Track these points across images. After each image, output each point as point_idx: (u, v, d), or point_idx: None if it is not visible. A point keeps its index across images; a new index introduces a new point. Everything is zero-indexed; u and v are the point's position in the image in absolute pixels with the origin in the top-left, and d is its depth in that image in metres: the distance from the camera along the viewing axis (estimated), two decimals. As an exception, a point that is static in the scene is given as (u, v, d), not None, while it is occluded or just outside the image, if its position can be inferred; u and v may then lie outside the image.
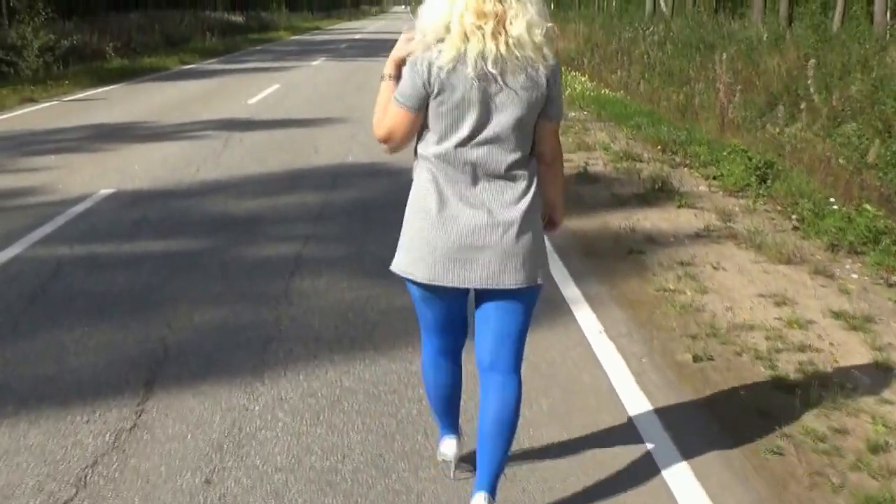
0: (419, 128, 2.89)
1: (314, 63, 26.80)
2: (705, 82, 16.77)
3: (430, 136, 2.87)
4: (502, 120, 2.77)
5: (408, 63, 2.82)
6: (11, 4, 23.91)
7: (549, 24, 2.77)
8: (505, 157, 2.81)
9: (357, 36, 48.50)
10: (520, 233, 2.82)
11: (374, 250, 6.39)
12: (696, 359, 4.64)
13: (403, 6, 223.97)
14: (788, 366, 4.56)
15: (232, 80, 21.28)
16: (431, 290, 2.96)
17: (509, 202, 2.83)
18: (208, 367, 4.48)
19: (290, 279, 5.88)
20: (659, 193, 8.51)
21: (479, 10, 2.68)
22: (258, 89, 18.28)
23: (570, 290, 5.69)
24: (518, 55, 2.72)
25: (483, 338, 3.02)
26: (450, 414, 3.37)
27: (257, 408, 4.03)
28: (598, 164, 10.11)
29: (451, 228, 2.83)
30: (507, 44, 2.70)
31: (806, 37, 18.47)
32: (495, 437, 2.99)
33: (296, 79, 21.32)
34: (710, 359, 4.65)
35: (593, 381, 4.38)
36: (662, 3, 41.89)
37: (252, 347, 4.73)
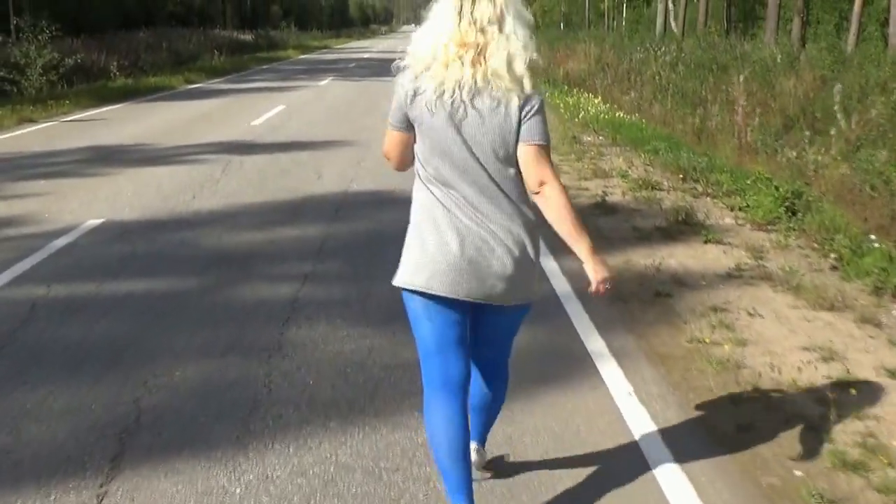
0: (411, 147, 3.03)
1: (321, 83, 26.38)
2: (720, 104, 16.43)
3: (420, 157, 2.97)
4: (478, 144, 2.85)
5: (395, 87, 2.95)
6: (16, 23, 23.55)
7: (535, 56, 2.83)
8: (490, 179, 2.89)
9: (366, 55, 48.16)
10: (512, 253, 2.91)
11: (378, 292, 5.86)
12: (740, 428, 4.09)
13: (413, 25, 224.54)
14: (845, 437, 4.00)
15: (237, 100, 20.84)
16: (432, 301, 2.97)
17: (501, 223, 2.91)
18: (186, 436, 3.94)
19: (285, 326, 5.34)
20: (683, 226, 7.97)
21: (460, 41, 2.81)
22: (263, 110, 17.82)
23: (595, 343, 5.14)
24: (494, 85, 2.81)
25: (480, 343, 3.18)
26: (463, 475, 3.06)
27: (239, 490, 3.49)
28: (617, 192, 9.57)
29: (448, 245, 2.90)
30: (483, 74, 2.80)
31: (821, 58, 18.07)
32: (489, 409, 3.39)
33: (302, 99, 20.87)
34: (757, 428, 4.09)
35: (625, 457, 3.83)
36: (673, 24, 41.54)
37: (237, 412, 4.18)
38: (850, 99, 15.22)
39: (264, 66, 37.12)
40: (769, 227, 8.01)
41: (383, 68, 35.46)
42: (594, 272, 2.93)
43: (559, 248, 5.95)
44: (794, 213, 8.31)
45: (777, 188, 9.09)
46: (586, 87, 22.12)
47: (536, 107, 2.84)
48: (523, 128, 2.84)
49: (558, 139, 13.44)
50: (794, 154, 13.24)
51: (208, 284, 6.18)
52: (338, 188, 9.71)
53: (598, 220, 8.32)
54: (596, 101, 19.10)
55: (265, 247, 7.17)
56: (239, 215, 8.27)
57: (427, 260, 2.92)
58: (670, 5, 42.62)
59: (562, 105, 18.50)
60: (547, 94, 18.50)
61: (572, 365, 4.79)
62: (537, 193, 2.89)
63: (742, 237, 7.67)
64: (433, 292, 2.92)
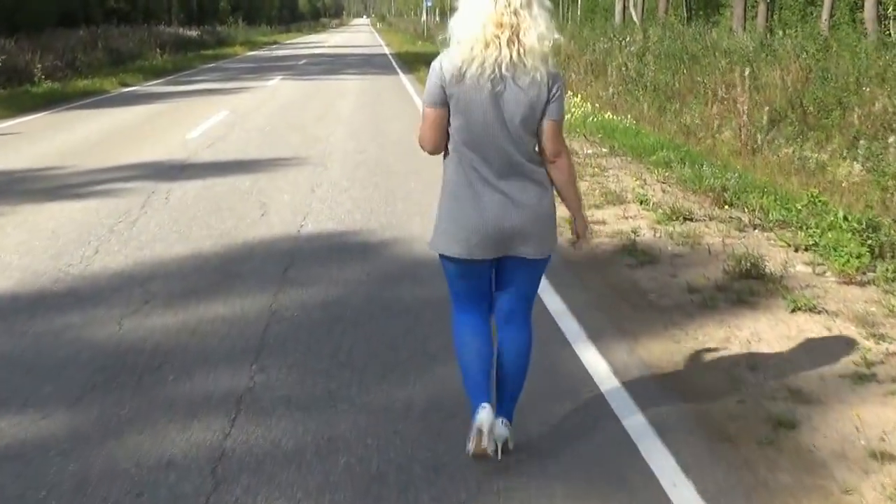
0: (446, 125, 3.28)
1: (270, 83, 24.08)
2: (706, 99, 14.81)
3: (454, 131, 3.28)
4: (510, 116, 3.20)
5: (431, 68, 3.27)
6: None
7: (557, 36, 3.20)
8: (516, 148, 3.25)
9: (317, 51, 45.77)
10: (536, 213, 3.31)
11: (351, 426, 3.78)
12: None
13: (364, 18, 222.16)
14: None
15: (175, 105, 18.52)
16: (466, 264, 3.39)
17: (526, 188, 3.29)
18: None
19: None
20: (751, 282, 5.95)
21: (498, 21, 3.12)
22: (202, 118, 15.56)
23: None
24: (527, 62, 3.14)
25: (504, 299, 3.54)
26: (484, 381, 3.49)
27: None
28: (642, 227, 7.54)
29: (479, 210, 3.27)
30: (519, 52, 3.13)
31: (803, 46, 16.49)
32: (514, 377, 3.58)
33: (248, 103, 18.60)
34: None
35: None
36: (633, 12, 39.77)
37: None
38: (847, 91, 13.61)
39: (210, 65, 34.67)
40: (860, 280, 6.02)
41: (337, 64, 33.32)
42: (581, 228, 3.57)
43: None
44: (880, 254, 6.39)
45: (846, 218, 7.16)
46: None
47: (561, 87, 3.24)
48: (550, 105, 3.23)
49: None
50: (793, 151, 11.71)
51: (85, 430, 3.94)
52: (287, 229, 7.56)
53: (636, 273, 6.29)
54: (576, 99, 17.12)
55: (181, 341, 5.00)
56: (151, 281, 6.09)
57: (459, 228, 3.32)
58: (629, -7, 40.85)
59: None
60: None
61: None
62: (552, 162, 3.33)
63: (835, 298, 5.67)
64: (465, 257, 3.34)
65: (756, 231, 7.45)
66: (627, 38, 22.54)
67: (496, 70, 3.13)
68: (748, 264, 6.14)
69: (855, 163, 11.22)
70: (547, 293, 5.70)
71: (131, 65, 31.09)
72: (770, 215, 7.71)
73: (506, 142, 3.22)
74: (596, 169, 10.33)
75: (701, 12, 45.81)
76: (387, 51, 45.22)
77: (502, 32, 3.11)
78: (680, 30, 24.30)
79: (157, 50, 36.87)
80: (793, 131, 12.85)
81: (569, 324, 5.22)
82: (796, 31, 21.04)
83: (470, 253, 3.32)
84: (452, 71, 3.18)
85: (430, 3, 67.32)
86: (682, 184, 9.38)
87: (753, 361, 4.64)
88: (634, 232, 7.18)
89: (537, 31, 3.13)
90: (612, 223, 7.74)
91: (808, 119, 13.24)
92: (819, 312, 5.39)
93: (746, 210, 7.98)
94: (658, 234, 7.33)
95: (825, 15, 29.98)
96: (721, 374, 4.52)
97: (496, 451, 3.43)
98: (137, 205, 8.50)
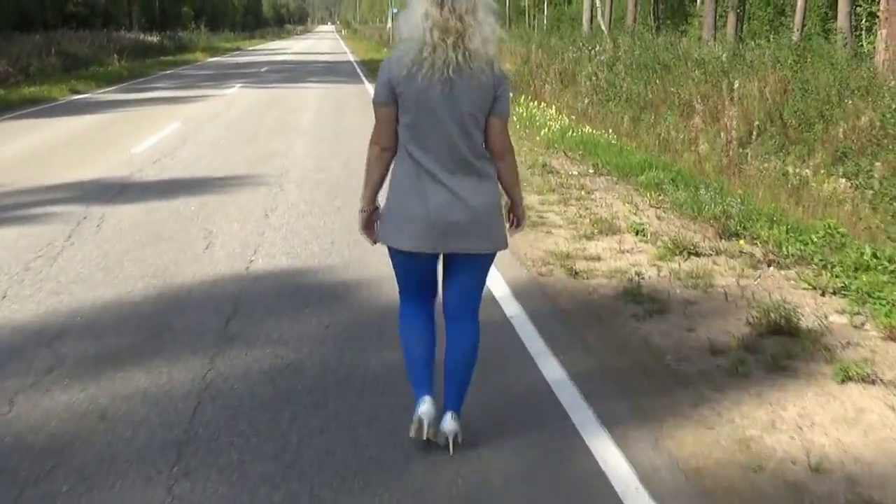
0: (395, 122, 3.42)
1: (228, 91, 22.94)
2: (671, 109, 14.34)
3: (402, 128, 3.41)
4: (458, 114, 3.32)
5: (380, 68, 3.45)
6: None
7: (502, 38, 3.38)
8: (463, 144, 3.36)
9: (280, 58, 44.61)
10: (482, 208, 3.41)
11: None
12: None
13: (329, 24, 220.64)
14: None
15: (124, 115, 17.38)
16: (412, 257, 3.48)
17: (472, 183, 3.40)
18: None
19: None
20: (784, 340, 4.99)
21: (443, 27, 3.24)
22: (151, 130, 14.43)
23: None
24: (472, 65, 3.28)
25: (451, 293, 3.64)
26: (426, 373, 3.65)
27: None
28: (642, 263, 6.59)
29: (425, 204, 3.36)
30: (465, 55, 3.26)
31: (777, 57, 15.85)
32: (462, 370, 3.66)
33: (202, 113, 17.47)
34: None
35: None
36: (601, 21, 39.01)
37: None
38: (829, 104, 12.93)
39: (168, 72, 33.45)
40: (909, 335, 5.08)
41: (300, 72, 32.14)
42: (519, 215, 3.69)
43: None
44: (922, 301, 5.47)
45: (875, 255, 6.31)
46: (527, 92, 19.47)
47: (506, 87, 3.40)
48: (497, 104, 3.39)
49: (525, 167, 10.46)
50: (785, 168, 11.12)
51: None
52: (234, 266, 6.51)
53: (645, 326, 5.29)
54: (550, 111, 16.21)
55: (85, 430, 3.90)
56: (62, 339, 5.01)
57: (404, 220, 3.41)
58: (597, 2, 40.08)
59: (514, 117, 15.50)
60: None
61: None
62: (501, 160, 3.48)
63: (886, 361, 4.73)
64: (410, 249, 3.43)
65: (772, 269, 6.51)
66: (597, 48, 21.75)
67: (445, 71, 3.25)
68: (779, 317, 5.17)
69: (841, 179, 10.59)
70: (543, 357, 4.72)
71: (85, 71, 29.74)
72: (784, 249, 6.78)
73: (453, 138, 3.34)
74: (581, 191, 9.37)
75: (668, 21, 45.27)
76: (351, 58, 44.14)
77: (448, 37, 3.24)
78: (650, 39, 23.56)
79: (115, 56, 35.64)
80: (773, 145, 12.19)
81: (574, 401, 4.21)
82: (768, 41, 20.37)
83: (415, 245, 3.41)
84: (402, 71, 3.30)
85: (395, 10, 66.32)
86: (678, 209, 8.44)
87: (812, 458, 3.66)
88: (638, 273, 6.21)
89: (482, 34, 3.27)
90: (607, 259, 6.77)
91: (788, 132, 12.60)
92: (873, 382, 4.43)
93: (758, 243, 7.04)
94: (662, 274, 6.36)
95: (797, 24, 29.41)
96: (775, 478, 3.53)
97: (447, 445, 3.61)
98: (64, 234, 7.40)
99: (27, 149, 12.71)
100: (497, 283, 5.98)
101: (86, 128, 15.36)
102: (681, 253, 6.85)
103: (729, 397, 4.28)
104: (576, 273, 6.36)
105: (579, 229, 7.68)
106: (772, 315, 5.18)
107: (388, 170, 3.53)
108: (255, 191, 9.31)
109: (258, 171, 10.44)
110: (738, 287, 5.95)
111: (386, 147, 3.48)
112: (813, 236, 6.93)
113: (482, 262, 3.59)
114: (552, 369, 4.58)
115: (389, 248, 3.55)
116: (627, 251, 7.00)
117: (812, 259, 6.54)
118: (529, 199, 8.97)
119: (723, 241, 7.25)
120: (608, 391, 4.33)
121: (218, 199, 8.86)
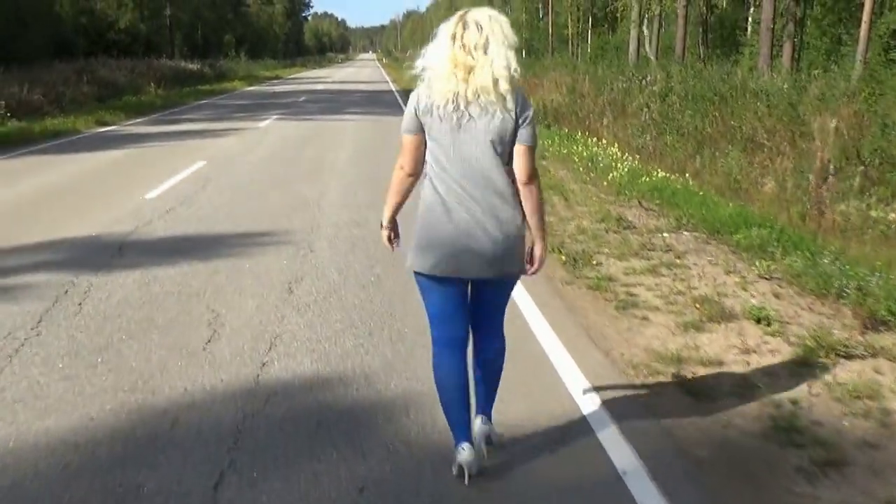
0: (423, 148, 3.49)
1: (262, 124, 21.54)
2: (733, 144, 12.96)
3: (429, 156, 3.48)
4: (479, 143, 3.37)
5: (409, 97, 3.53)
6: None
7: (515, 74, 3.34)
8: (486, 172, 3.40)
9: (320, 86, 43.39)
10: (505, 234, 3.43)
11: None
12: None
13: (370, 52, 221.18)
14: None
15: (146, 152, 15.99)
16: (439, 282, 3.51)
17: (496, 209, 3.41)
18: None
19: None
20: None
21: (455, 61, 3.34)
22: (171, 170, 12.97)
23: None
24: (482, 99, 3.33)
25: (479, 309, 3.67)
26: (462, 417, 3.63)
27: None
28: (782, 374, 4.91)
29: (450, 230, 3.41)
30: (474, 89, 3.32)
31: (847, 89, 14.26)
32: (490, 381, 3.79)
33: (230, 149, 16.03)
34: None
35: None
36: (648, 50, 37.36)
37: None
38: None
39: (203, 101, 32.27)
40: None
41: (339, 102, 30.74)
42: (540, 256, 3.59)
43: None
44: None
45: None
46: (580, 125, 18.03)
47: (531, 116, 3.41)
48: (521, 131, 3.40)
49: (595, 220, 8.86)
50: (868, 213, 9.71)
51: None
52: (239, 375, 4.91)
53: (821, 494, 3.61)
54: (613, 149, 14.63)
55: None
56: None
57: (432, 247, 3.44)
58: (644, 31, 38.47)
59: (575, 157, 13.91)
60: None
61: None
62: (525, 185, 3.44)
63: None
64: (438, 274, 3.47)
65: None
66: (648, 77, 20.20)
67: (458, 103, 3.34)
68: None
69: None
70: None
71: (118, 101, 28.57)
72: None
73: (476, 166, 3.38)
74: (671, 255, 7.71)
75: (718, 51, 43.49)
76: (393, 87, 42.72)
77: (459, 71, 3.32)
78: (701, 69, 21.92)
79: (153, 84, 34.70)
80: (852, 186, 10.63)
81: None
82: (825, 71, 18.69)
83: (441, 270, 3.46)
84: (425, 101, 3.40)
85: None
86: (796, 281, 6.79)
87: None
88: (793, 401, 4.52)
89: (493, 70, 3.31)
90: (731, 363, 5.11)
91: (868, 172, 11.03)
92: None
93: (921, 342, 5.36)
94: (815, 391, 4.69)
95: (860, 53, 27.61)
96: None
97: (482, 454, 3.75)
98: (33, 318, 5.87)
99: (29, 193, 11.28)
100: (592, 407, 4.36)
101: (101, 166, 13.95)
102: (827, 354, 5.18)
103: None
104: (696, 391, 4.71)
105: (682, 314, 6.03)
106: None
107: (409, 193, 3.61)
108: (279, 252, 7.76)
109: (284, 226, 8.89)
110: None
111: (411, 173, 3.56)
112: None
113: (505, 286, 3.67)
114: None
115: (416, 275, 3.56)
116: (754, 350, 5.34)
117: None
118: (611, 267, 7.33)
119: (871, 331, 5.58)
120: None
121: (233, 265, 7.31)
